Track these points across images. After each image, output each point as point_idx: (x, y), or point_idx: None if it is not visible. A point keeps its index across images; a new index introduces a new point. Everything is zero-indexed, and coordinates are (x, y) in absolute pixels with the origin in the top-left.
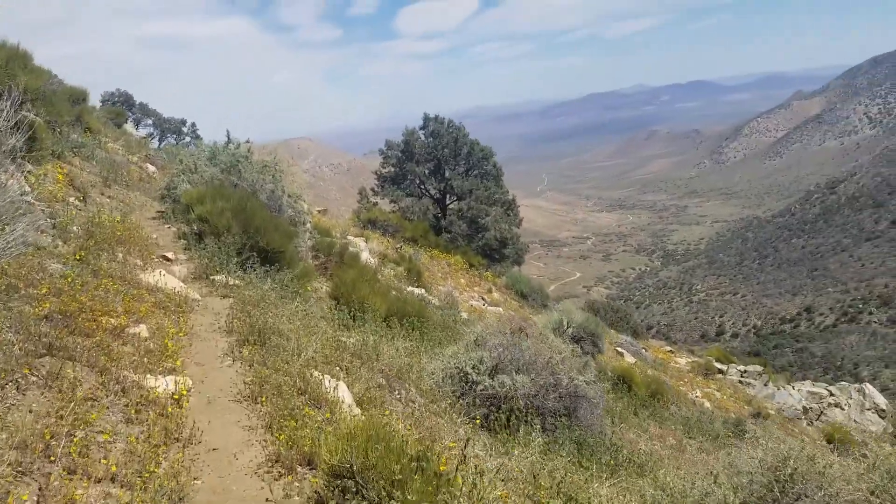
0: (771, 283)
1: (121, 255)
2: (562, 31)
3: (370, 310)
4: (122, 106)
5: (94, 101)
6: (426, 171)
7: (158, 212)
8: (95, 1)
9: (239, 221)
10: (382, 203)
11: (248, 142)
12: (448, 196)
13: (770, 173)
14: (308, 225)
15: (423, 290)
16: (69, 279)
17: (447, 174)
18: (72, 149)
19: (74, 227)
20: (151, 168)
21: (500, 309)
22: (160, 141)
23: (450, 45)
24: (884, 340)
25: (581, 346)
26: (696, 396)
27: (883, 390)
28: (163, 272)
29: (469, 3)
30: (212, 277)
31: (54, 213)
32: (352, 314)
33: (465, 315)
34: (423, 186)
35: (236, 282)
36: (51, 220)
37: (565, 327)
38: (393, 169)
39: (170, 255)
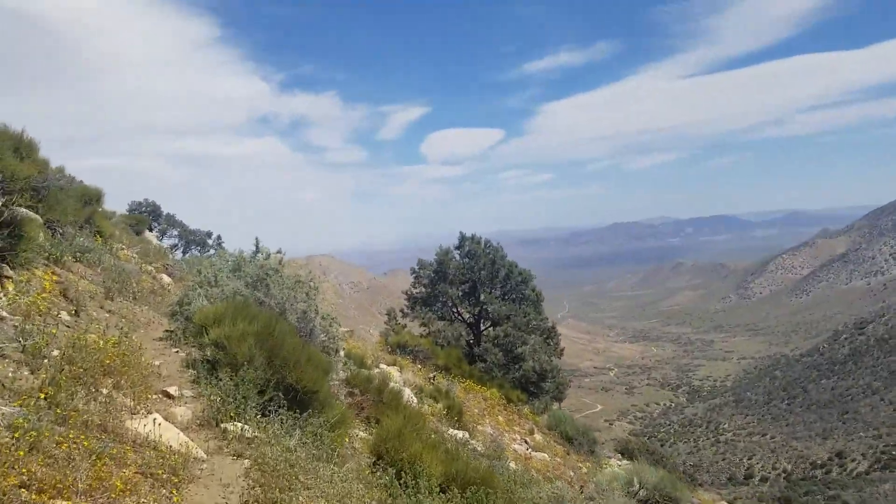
0: (801, 425)
1: (106, 390)
2: (583, 161)
3: (423, 474)
4: (148, 216)
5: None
6: (460, 294)
7: (167, 331)
8: (130, 118)
9: (263, 350)
10: (411, 325)
11: (279, 252)
12: (482, 321)
13: (797, 311)
14: (341, 353)
15: (465, 433)
16: (17, 434)
17: (482, 297)
18: (74, 253)
19: (54, 351)
20: (167, 279)
21: (546, 455)
22: (184, 252)
23: (472, 170)
24: None
25: None
26: None
27: None
28: (158, 418)
29: (495, 133)
30: (224, 425)
31: (27, 331)
32: (401, 479)
33: (512, 465)
34: (455, 310)
35: (255, 432)
36: (20, 340)
37: (636, 488)
38: (424, 289)
39: (173, 390)
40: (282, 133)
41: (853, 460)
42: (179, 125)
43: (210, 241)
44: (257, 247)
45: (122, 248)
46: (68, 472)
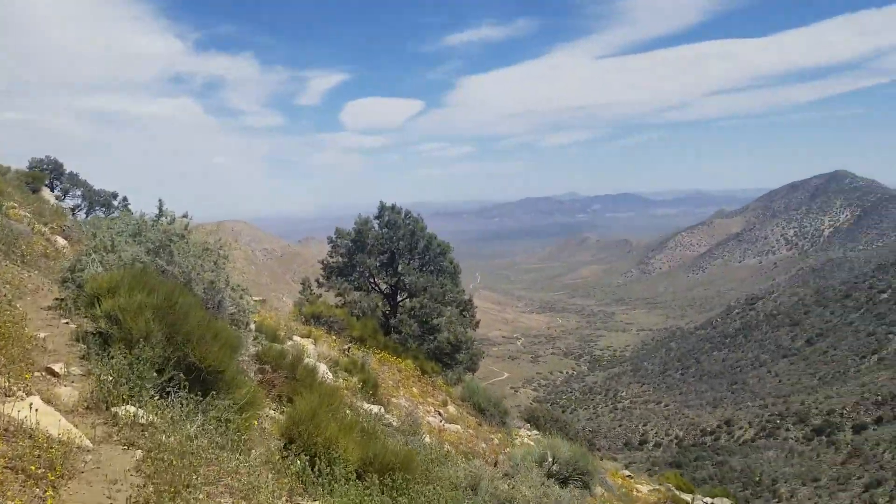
0: (693, 394)
1: None
2: (501, 137)
3: (339, 460)
4: (49, 173)
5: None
6: (377, 264)
7: (57, 300)
8: (37, 72)
9: (163, 324)
10: (326, 296)
11: (185, 217)
12: (399, 292)
13: (693, 286)
14: (252, 326)
15: (380, 408)
16: None
17: (400, 268)
18: None
19: None
20: (62, 242)
21: (459, 427)
22: (87, 214)
23: (392, 141)
24: (801, 457)
25: (569, 488)
26: None
27: None
28: (37, 400)
29: (415, 104)
30: (115, 409)
31: None
32: (314, 466)
33: (427, 439)
34: (372, 280)
35: (151, 417)
36: None
37: (550, 462)
38: (341, 259)
39: (58, 367)
40: (196, 94)
41: (740, 428)
42: (89, 81)
43: (116, 203)
44: (161, 210)
45: (14, 207)
46: None
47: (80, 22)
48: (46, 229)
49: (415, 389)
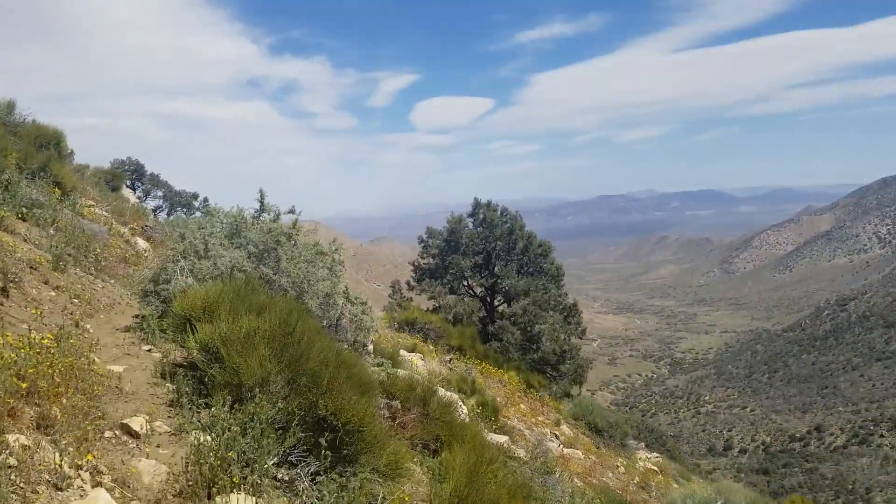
0: (780, 399)
1: (19, 436)
2: (572, 133)
3: None
4: (130, 174)
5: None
6: (471, 266)
7: (137, 318)
8: (114, 78)
9: (282, 362)
10: (417, 299)
11: (292, 212)
12: (495, 296)
13: (780, 286)
14: (370, 346)
15: (507, 438)
16: None
17: (497, 270)
18: (18, 208)
19: None
20: (143, 244)
21: (580, 453)
22: (169, 214)
23: (460, 139)
24: None
25: None
26: None
27: None
28: (104, 495)
29: (484, 103)
30: (220, 498)
31: None
32: None
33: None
34: (466, 283)
35: None
36: None
37: None
38: (433, 260)
39: (137, 423)
40: (271, 97)
41: (831, 434)
42: (166, 85)
43: (196, 203)
44: (262, 203)
45: (90, 205)
46: None
47: (157, 27)
48: (126, 230)
49: (523, 406)
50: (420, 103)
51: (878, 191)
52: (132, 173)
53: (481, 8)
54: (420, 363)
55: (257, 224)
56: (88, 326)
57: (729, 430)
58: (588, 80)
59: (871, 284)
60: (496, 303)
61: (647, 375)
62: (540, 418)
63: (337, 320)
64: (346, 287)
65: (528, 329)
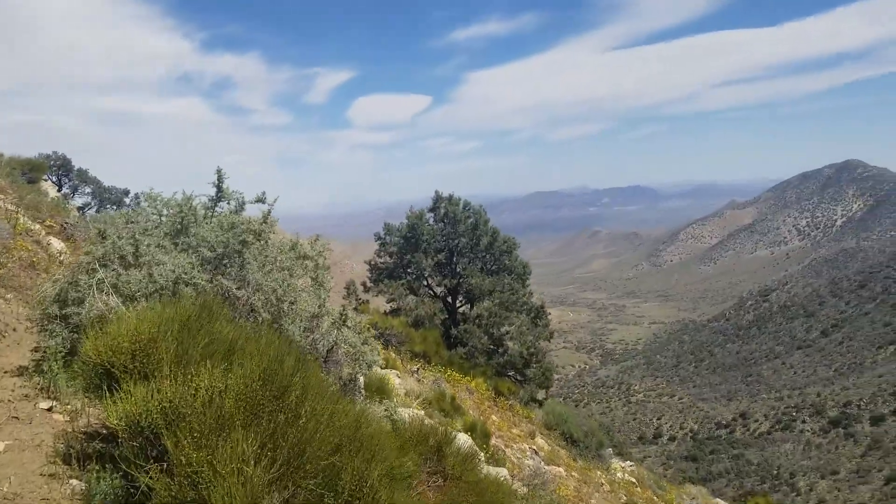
0: (707, 387)
1: None
2: (509, 131)
3: None
4: (56, 169)
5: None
6: (433, 264)
7: (36, 351)
8: (43, 73)
9: (275, 457)
10: (374, 301)
11: (261, 201)
12: (457, 296)
13: (705, 278)
14: (361, 379)
15: (506, 471)
16: None
17: (459, 268)
18: None
19: None
20: (57, 245)
21: (561, 470)
22: (98, 212)
23: (400, 137)
24: (818, 450)
25: None
26: None
27: (820, 502)
28: None
29: (422, 100)
30: None
31: None
32: None
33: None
34: (427, 283)
35: None
36: None
37: None
38: (391, 259)
39: None
40: (204, 93)
41: (756, 421)
42: (97, 81)
43: (128, 201)
44: (220, 188)
45: None
46: None
47: (86, 22)
48: (38, 227)
49: (495, 417)
50: (358, 100)
51: (797, 185)
52: (58, 168)
53: (417, 4)
54: (397, 382)
55: (213, 218)
56: None
57: (658, 419)
58: (523, 79)
59: (791, 275)
60: (458, 304)
61: (579, 366)
62: (515, 430)
63: (328, 351)
64: (343, 307)
65: (494, 331)
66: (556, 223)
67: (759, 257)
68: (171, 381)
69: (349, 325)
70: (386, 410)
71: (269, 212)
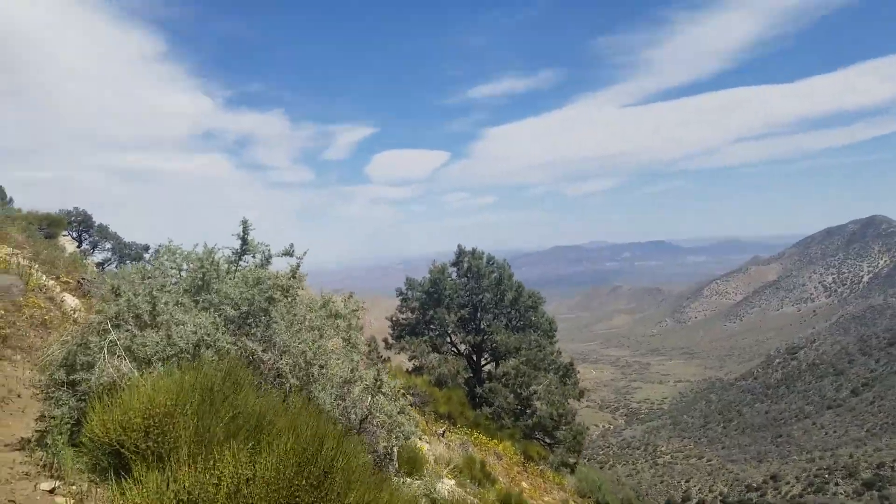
0: (736, 448)
1: None
2: (525, 186)
3: None
4: (77, 224)
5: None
6: (456, 320)
7: (42, 420)
8: (68, 132)
9: None
10: (395, 359)
11: (289, 254)
12: (482, 354)
13: (731, 335)
14: (395, 451)
15: None
16: None
17: (484, 325)
18: None
19: None
20: (72, 302)
21: None
22: (117, 268)
23: (419, 192)
24: None
25: None
26: None
27: None
28: None
29: (440, 155)
30: None
31: None
32: None
33: None
34: (450, 339)
35: None
36: None
37: None
38: (413, 315)
39: None
40: (227, 150)
41: (787, 483)
42: (122, 139)
43: (147, 256)
44: (244, 239)
45: (6, 252)
46: None
47: (111, 82)
48: (53, 283)
49: (525, 484)
50: (377, 156)
51: (821, 241)
52: (78, 224)
53: (435, 64)
54: (426, 448)
55: (237, 272)
56: None
57: (686, 481)
58: (540, 134)
59: (818, 333)
60: (482, 361)
61: (603, 426)
62: (546, 498)
63: (361, 422)
64: (377, 372)
65: (521, 391)
66: (575, 277)
67: (785, 314)
68: (189, 466)
69: (384, 391)
70: (423, 487)
71: (298, 266)
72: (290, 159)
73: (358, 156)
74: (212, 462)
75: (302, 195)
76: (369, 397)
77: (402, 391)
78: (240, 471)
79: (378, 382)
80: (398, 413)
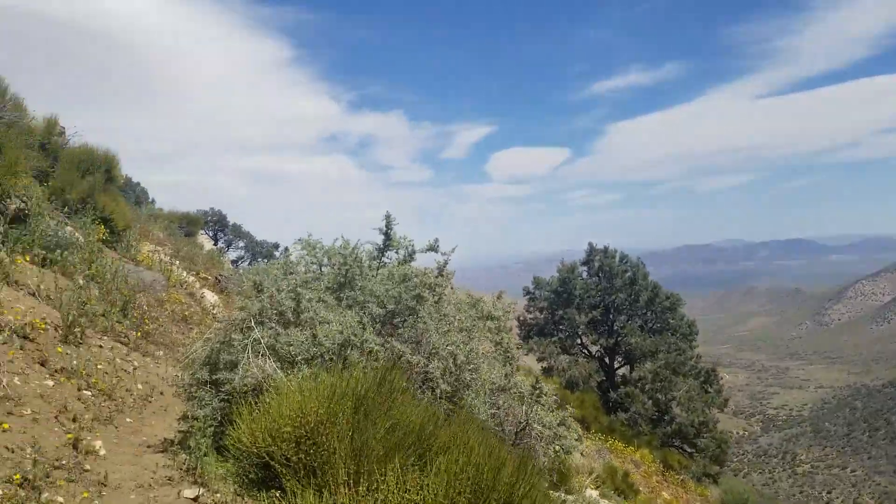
0: (884, 459)
1: None
2: (652, 182)
3: None
4: (213, 224)
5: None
6: (586, 321)
7: (184, 420)
8: (202, 136)
9: None
10: (523, 360)
11: (433, 249)
12: (615, 357)
13: (878, 339)
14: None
15: None
16: None
17: (617, 326)
18: (49, 250)
19: None
20: (211, 298)
21: None
22: (250, 265)
23: (538, 189)
24: None
25: None
26: None
27: None
28: None
29: (560, 152)
30: None
31: None
32: None
33: None
34: (580, 341)
35: None
36: None
37: None
38: (541, 315)
39: None
40: (349, 152)
41: None
42: (252, 143)
43: (278, 254)
44: (388, 234)
45: (147, 248)
46: None
47: (247, 87)
48: (193, 278)
49: (666, 494)
50: (496, 154)
51: None
52: (214, 223)
53: (556, 59)
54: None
55: (379, 269)
56: (98, 444)
57: (829, 493)
58: (667, 129)
59: None
60: (616, 364)
61: (738, 433)
62: None
63: (517, 434)
64: (536, 379)
65: (659, 396)
66: (707, 278)
67: None
68: (349, 488)
69: (542, 401)
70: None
71: (446, 262)
72: (409, 159)
73: (476, 154)
74: (374, 484)
75: (421, 194)
76: (524, 406)
77: (560, 401)
78: (407, 496)
79: (537, 391)
80: (558, 424)
